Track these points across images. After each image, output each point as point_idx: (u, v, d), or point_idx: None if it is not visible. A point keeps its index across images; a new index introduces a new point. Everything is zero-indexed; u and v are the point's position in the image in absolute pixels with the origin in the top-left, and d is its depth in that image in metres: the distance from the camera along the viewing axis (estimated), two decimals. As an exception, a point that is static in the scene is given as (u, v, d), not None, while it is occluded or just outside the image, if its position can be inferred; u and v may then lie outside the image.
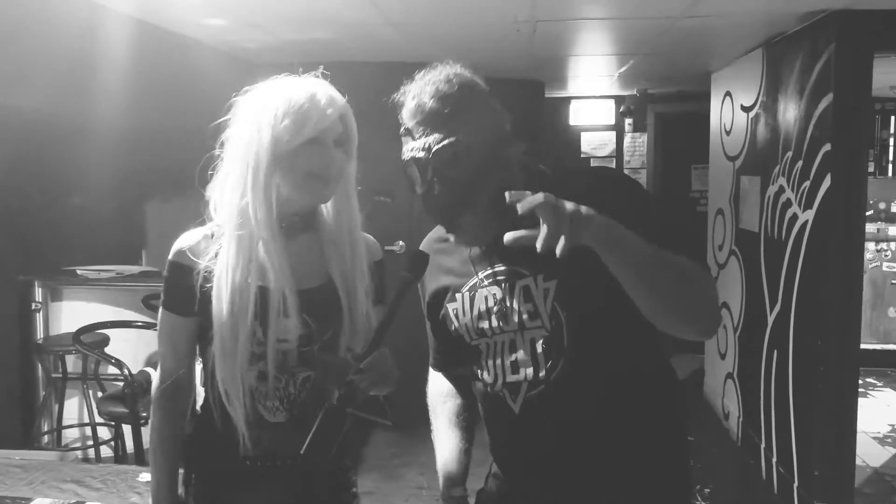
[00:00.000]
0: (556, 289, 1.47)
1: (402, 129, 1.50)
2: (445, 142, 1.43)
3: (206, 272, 1.52)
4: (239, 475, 1.57)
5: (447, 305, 1.62)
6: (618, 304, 1.43)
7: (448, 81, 1.46)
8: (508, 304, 1.52)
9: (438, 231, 1.69)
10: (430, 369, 1.84)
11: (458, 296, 1.59)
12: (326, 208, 1.62)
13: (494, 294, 1.54)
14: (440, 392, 1.80)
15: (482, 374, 1.59)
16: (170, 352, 1.63)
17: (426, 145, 1.44)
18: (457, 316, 1.60)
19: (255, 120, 1.51)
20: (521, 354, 1.52)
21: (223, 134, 1.57)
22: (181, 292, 1.54)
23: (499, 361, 1.55)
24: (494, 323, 1.54)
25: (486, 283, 1.55)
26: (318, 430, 1.33)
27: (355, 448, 1.77)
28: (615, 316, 1.46)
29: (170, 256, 1.57)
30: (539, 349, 1.50)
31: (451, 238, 1.56)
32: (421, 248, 1.71)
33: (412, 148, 1.46)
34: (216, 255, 1.53)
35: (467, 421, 1.76)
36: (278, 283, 1.50)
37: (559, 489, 1.55)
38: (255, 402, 1.53)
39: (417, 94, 1.47)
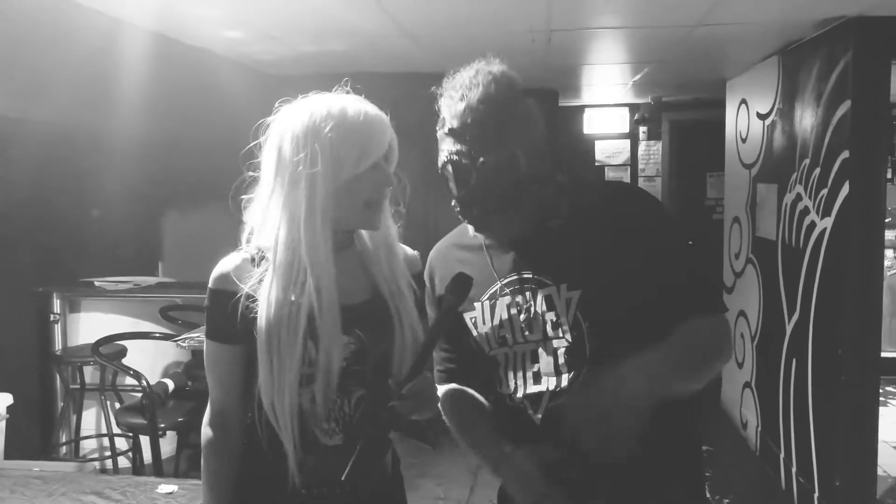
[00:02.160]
0: (579, 298, 1.47)
1: (444, 128, 1.49)
2: (494, 153, 1.43)
3: (249, 298, 1.46)
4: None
5: (465, 315, 1.60)
6: (638, 314, 1.45)
7: (495, 82, 1.45)
8: (533, 313, 1.51)
9: (455, 237, 1.69)
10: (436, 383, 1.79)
11: (476, 305, 1.58)
12: None
13: (518, 303, 1.53)
14: (452, 388, 1.72)
15: (500, 386, 1.57)
16: (217, 383, 1.55)
17: (473, 152, 1.44)
18: (475, 325, 1.59)
19: (303, 144, 1.44)
20: (544, 365, 1.51)
21: (260, 155, 1.51)
22: (225, 320, 1.47)
23: (520, 372, 1.54)
24: (518, 332, 1.53)
25: (506, 291, 1.54)
26: (360, 456, 1.31)
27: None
28: (635, 325, 1.46)
29: (210, 284, 1.51)
30: (561, 359, 1.49)
31: (480, 236, 1.57)
32: (434, 252, 1.71)
33: (457, 151, 1.46)
34: (260, 281, 1.47)
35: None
36: (329, 302, 1.44)
37: (576, 498, 1.54)
38: (310, 426, 1.47)
39: (465, 94, 1.45)
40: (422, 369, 1.37)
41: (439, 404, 1.76)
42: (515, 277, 1.54)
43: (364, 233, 1.59)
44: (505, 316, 1.54)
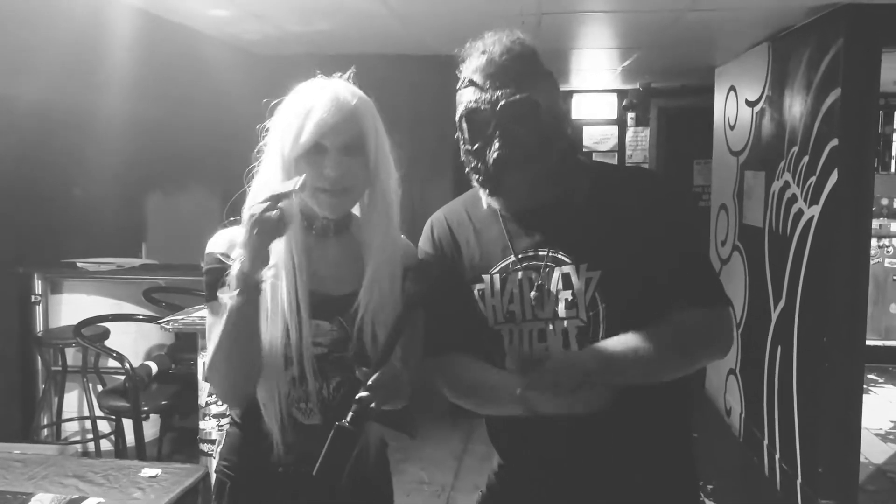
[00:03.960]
0: (599, 279, 1.46)
1: (462, 82, 1.49)
2: (517, 96, 1.42)
3: None
4: (274, 482, 1.52)
5: (473, 286, 1.56)
6: (652, 298, 1.45)
7: (519, 43, 1.47)
8: (547, 290, 1.49)
9: (468, 203, 1.64)
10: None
11: (485, 277, 1.55)
12: (361, 211, 1.58)
13: (531, 278, 1.50)
14: (450, 356, 1.65)
15: (506, 363, 1.54)
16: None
17: (494, 97, 1.43)
18: (483, 297, 1.55)
19: (274, 125, 1.49)
20: (552, 344, 1.49)
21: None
22: (221, 283, 1.47)
23: (526, 350, 1.51)
24: (528, 308, 1.50)
25: (520, 265, 1.52)
26: (330, 449, 1.30)
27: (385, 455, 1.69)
28: (648, 309, 1.45)
29: (207, 248, 1.53)
30: (573, 340, 1.47)
31: (494, 203, 1.53)
32: (446, 215, 1.66)
33: (475, 99, 1.45)
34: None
35: None
36: (301, 286, 1.46)
37: (574, 483, 1.53)
38: (288, 406, 1.49)
39: (487, 49, 1.46)
40: (387, 360, 1.36)
41: (438, 378, 1.72)
42: (532, 253, 1.52)
43: (364, 221, 1.57)
44: (516, 291, 1.51)
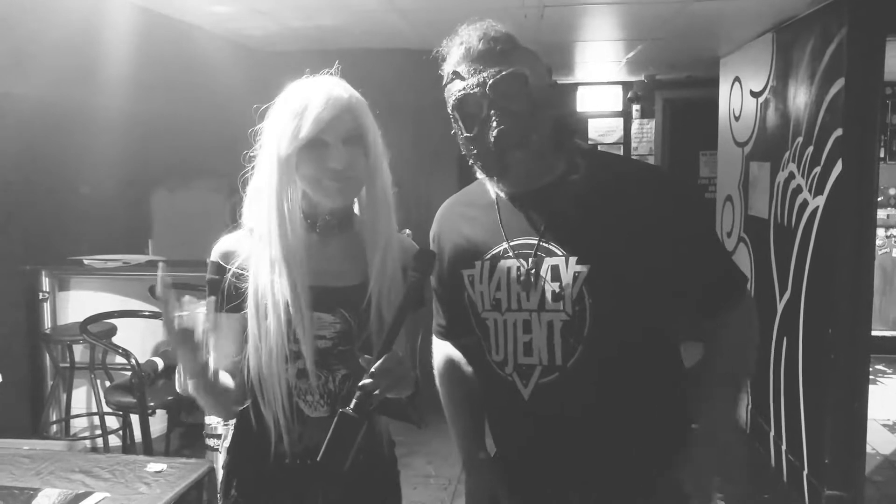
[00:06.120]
0: (587, 273, 1.43)
1: (447, 77, 1.50)
2: (504, 73, 1.42)
3: (241, 270, 1.52)
4: (281, 475, 1.54)
5: (463, 272, 1.57)
6: (643, 297, 1.44)
7: (493, 28, 1.47)
8: (533, 280, 1.47)
9: (462, 196, 1.67)
10: (434, 338, 1.79)
11: (476, 263, 1.55)
12: (361, 208, 1.60)
13: (519, 267, 1.49)
14: (449, 358, 1.75)
15: (492, 353, 1.54)
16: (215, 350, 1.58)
17: (481, 80, 1.43)
18: (472, 283, 1.55)
19: (268, 127, 1.50)
20: (536, 336, 1.48)
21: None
22: (221, 290, 1.53)
23: (511, 341, 1.50)
24: (514, 297, 1.49)
25: (510, 253, 1.51)
26: (334, 436, 1.30)
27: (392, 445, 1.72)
28: (639, 308, 1.45)
29: (211, 257, 1.57)
30: (557, 334, 1.46)
31: (500, 187, 1.54)
32: (439, 213, 1.70)
33: (463, 87, 1.45)
34: (250, 255, 1.52)
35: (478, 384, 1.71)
36: (300, 281, 1.48)
37: (562, 478, 1.53)
38: (294, 399, 1.51)
39: (465, 40, 1.47)
40: (389, 347, 1.36)
41: (434, 368, 1.77)
42: (523, 241, 1.51)
43: (363, 218, 1.59)
44: (504, 278, 1.50)
